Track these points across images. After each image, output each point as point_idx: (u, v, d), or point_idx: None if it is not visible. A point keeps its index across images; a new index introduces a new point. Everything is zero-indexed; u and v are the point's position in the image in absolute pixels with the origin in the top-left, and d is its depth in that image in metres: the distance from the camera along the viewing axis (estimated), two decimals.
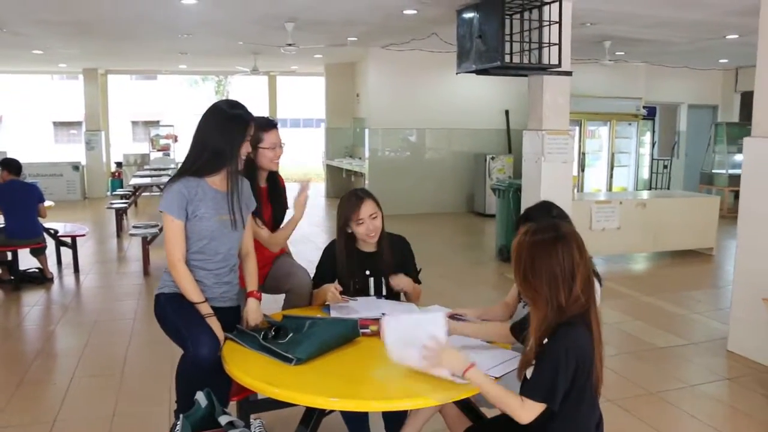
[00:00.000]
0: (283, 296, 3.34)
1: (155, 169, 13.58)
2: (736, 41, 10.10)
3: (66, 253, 7.53)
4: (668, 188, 13.63)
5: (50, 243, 7.22)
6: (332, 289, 2.95)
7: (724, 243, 8.78)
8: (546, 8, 6.67)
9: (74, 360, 4.61)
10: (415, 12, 7.86)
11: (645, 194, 10.03)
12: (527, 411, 2.01)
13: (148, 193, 12.60)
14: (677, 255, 8.30)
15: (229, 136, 2.63)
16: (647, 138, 13.27)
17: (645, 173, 13.34)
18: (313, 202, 14.56)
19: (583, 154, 11.97)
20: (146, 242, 7.29)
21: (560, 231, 2.07)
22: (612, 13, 7.87)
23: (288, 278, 3.26)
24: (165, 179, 12.12)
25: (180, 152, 18.20)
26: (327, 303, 2.99)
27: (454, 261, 8.30)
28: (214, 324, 2.58)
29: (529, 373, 2.11)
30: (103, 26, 8.86)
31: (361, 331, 2.55)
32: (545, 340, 2.05)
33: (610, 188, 12.16)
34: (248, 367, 2.32)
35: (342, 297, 2.95)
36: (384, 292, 3.18)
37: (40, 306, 6.13)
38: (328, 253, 3.25)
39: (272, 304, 3.43)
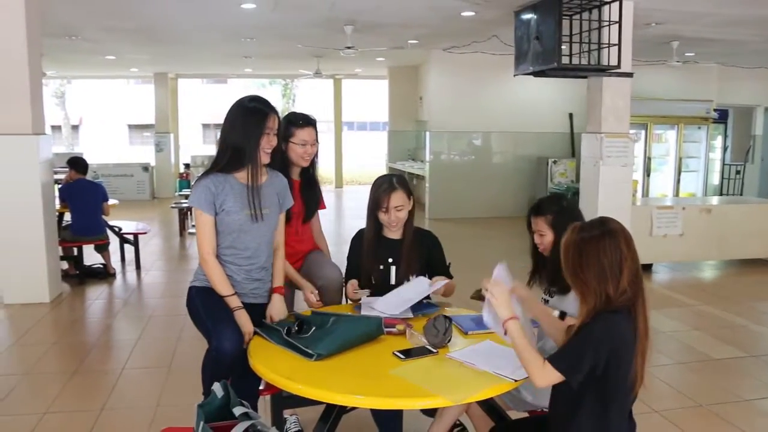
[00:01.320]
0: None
1: None
2: None
3: (129, 250, 7.80)
4: (741, 194, 13.10)
5: (114, 240, 7.49)
6: (348, 286, 3.01)
7: None
8: (606, 8, 6.52)
9: (127, 352, 4.78)
10: (473, 14, 7.81)
11: (712, 200, 9.66)
12: (545, 374, 2.02)
13: None
14: (745, 264, 7.96)
15: (247, 131, 2.68)
16: (718, 142, 12.79)
17: (715, 179, 12.86)
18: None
19: (649, 158, 11.63)
20: None
21: (607, 226, 2.13)
22: (677, 12, 7.63)
23: (319, 274, 3.29)
24: None
25: None
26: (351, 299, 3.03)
27: (510, 265, 8.16)
28: (243, 317, 2.62)
29: None
30: (167, 32, 9.17)
31: (386, 330, 2.54)
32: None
33: (677, 194, 11.77)
34: (272, 363, 2.34)
35: (358, 291, 2.99)
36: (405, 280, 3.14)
37: (101, 300, 6.37)
38: (356, 242, 3.27)
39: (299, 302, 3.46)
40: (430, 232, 3.35)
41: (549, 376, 2.02)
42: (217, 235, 2.72)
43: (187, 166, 15.88)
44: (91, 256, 7.23)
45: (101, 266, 7.21)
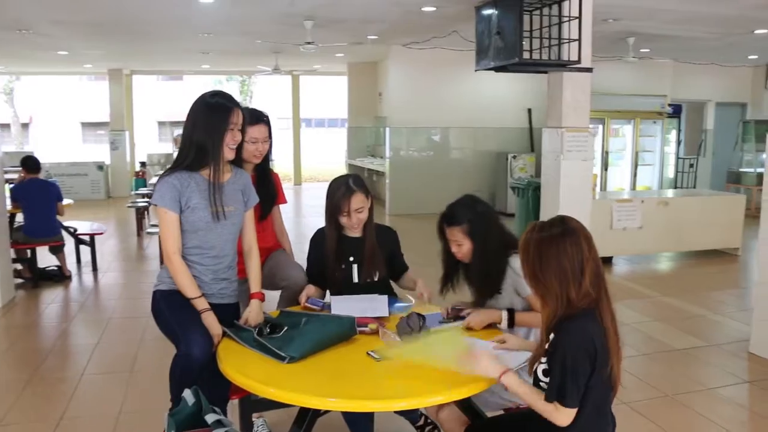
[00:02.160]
0: (277, 293, 3.31)
1: None
2: (766, 36, 9.86)
3: (85, 251, 7.58)
4: (694, 187, 13.38)
5: (69, 241, 7.28)
6: (302, 295, 2.99)
7: (751, 243, 8.56)
8: (566, 4, 6.56)
9: (85, 357, 4.63)
10: (433, 9, 7.78)
11: (668, 193, 9.85)
12: (563, 416, 2.02)
13: None
14: (701, 255, 8.12)
15: (210, 127, 2.59)
16: (672, 136, 13.04)
17: (670, 172, 13.11)
18: None
19: (607, 152, 11.79)
20: None
21: (568, 225, 2.08)
22: (635, 8, 7.72)
23: (284, 275, 3.22)
24: None
25: None
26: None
27: None
28: (211, 319, 2.54)
29: (539, 369, 2.11)
30: (122, 26, 8.91)
31: (359, 329, 2.50)
32: (551, 336, 2.06)
33: (633, 187, 11.96)
34: (243, 366, 2.27)
35: (308, 305, 2.94)
36: (374, 278, 3.13)
37: (57, 303, 6.17)
38: (315, 241, 3.22)
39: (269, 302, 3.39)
40: (389, 227, 3.32)
41: (568, 415, 2.01)
42: (182, 235, 2.62)
43: (143, 164, 15.58)
44: (46, 258, 7.01)
45: (56, 268, 6.99)
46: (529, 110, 12.37)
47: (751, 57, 12.78)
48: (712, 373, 4.48)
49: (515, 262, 2.60)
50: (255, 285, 2.83)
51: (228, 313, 2.70)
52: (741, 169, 12.48)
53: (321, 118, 35.02)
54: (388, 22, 8.79)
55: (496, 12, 6.90)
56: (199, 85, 30.01)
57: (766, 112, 14.13)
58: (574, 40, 6.58)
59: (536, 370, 2.11)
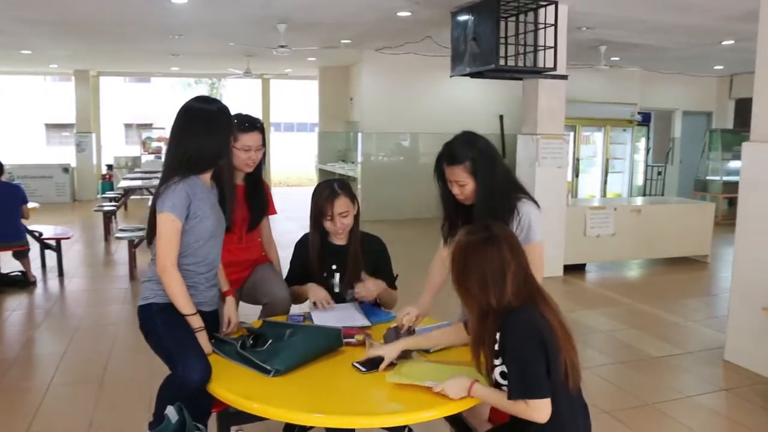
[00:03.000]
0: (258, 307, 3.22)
1: (146, 172, 13.39)
2: (732, 47, 10.04)
3: (51, 256, 7.37)
4: (662, 194, 13.56)
5: (34, 246, 7.07)
6: (321, 296, 2.90)
7: (719, 250, 8.70)
8: (542, 11, 6.58)
9: (52, 367, 4.46)
10: (409, 14, 7.75)
11: (640, 200, 9.95)
12: (537, 411, 1.95)
13: (138, 196, 12.44)
14: (672, 262, 8.20)
15: (218, 135, 2.50)
16: (642, 144, 13.19)
17: (639, 179, 13.26)
18: (305, 207, 14.44)
19: (578, 159, 11.88)
20: (133, 245, 7.14)
21: (491, 231, 2.08)
22: (609, 17, 7.77)
23: (266, 291, 3.13)
24: (156, 182, 11.92)
25: None
26: (312, 301, 2.94)
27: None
28: (204, 338, 2.41)
29: (496, 373, 2.05)
30: (90, 26, 8.72)
31: (345, 340, 2.42)
32: (497, 335, 2.03)
33: (604, 194, 12.07)
34: (227, 380, 2.18)
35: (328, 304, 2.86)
36: (350, 288, 3.06)
37: (21, 311, 5.98)
38: (300, 246, 3.15)
39: (250, 311, 3.30)
40: (378, 237, 3.23)
41: (542, 408, 1.95)
42: (181, 246, 2.48)
43: (109, 167, 15.34)
44: (9, 263, 6.80)
45: (20, 274, 6.78)
46: (501, 117, 12.40)
47: (716, 67, 13.01)
48: (689, 380, 4.49)
49: (523, 205, 2.52)
50: (225, 284, 2.77)
51: (212, 321, 2.59)
52: (708, 177, 12.65)
53: (290, 122, 34.79)
54: (363, 26, 8.74)
55: (473, 18, 6.89)
56: (167, 87, 29.72)
57: (730, 122, 14.42)
58: (550, 47, 6.60)
59: (493, 375, 2.07)
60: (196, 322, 2.43)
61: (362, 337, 2.45)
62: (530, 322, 1.98)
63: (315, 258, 3.04)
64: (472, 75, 7.16)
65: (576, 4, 6.95)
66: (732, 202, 12.35)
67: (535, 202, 2.61)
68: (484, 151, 2.56)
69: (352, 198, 3.01)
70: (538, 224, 2.55)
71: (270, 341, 2.31)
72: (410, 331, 2.54)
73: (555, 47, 6.59)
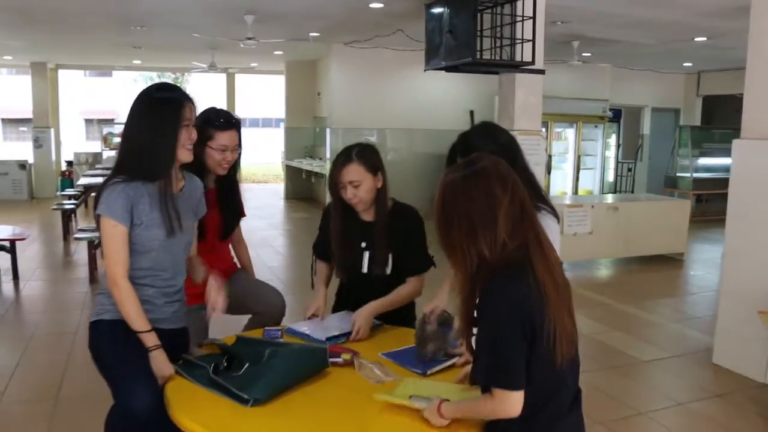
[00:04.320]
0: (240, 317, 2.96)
1: (107, 169, 12.93)
2: (704, 44, 10.00)
3: (4, 257, 6.95)
4: (632, 191, 13.53)
5: None
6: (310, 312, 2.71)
7: (692, 247, 8.64)
8: (519, 3, 6.37)
9: (2, 382, 4.09)
10: (381, 5, 7.50)
11: (615, 198, 9.84)
12: (506, 404, 1.62)
13: None
14: (648, 260, 8.09)
15: (161, 126, 2.14)
16: (613, 140, 13.15)
17: (610, 176, 13.22)
18: (272, 204, 14.22)
19: (550, 156, 11.75)
20: (93, 246, 6.75)
21: (475, 164, 1.70)
22: (585, 11, 7.62)
23: (259, 299, 2.88)
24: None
25: None
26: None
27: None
28: (160, 358, 2.12)
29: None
30: (46, 14, 8.26)
31: (331, 360, 2.16)
32: (477, 301, 1.69)
33: (576, 191, 11.98)
34: (197, 411, 1.89)
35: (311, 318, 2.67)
36: (388, 270, 2.77)
37: None
38: (325, 215, 2.90)
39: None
40: (413, 208, 2.89)
41: (513, 401, 1.61)
42: (130, 256, 2.18)
43: (69, 163, 14.82)
44: None
45: None
46: (471, 112, 12.21)
47: (685, 64, 13.02)
48: (680, 386, 4.33)
49: (542, 218, 2.13)
50: (200, 275, 2.49)
51: (179, 340, 2.31)
52: (678, 174, 12.64)
53: (255, 117, 34.29)
54: (333, 18, 8.46)
55: (448, 10, 6.67)
56: (128, 81, 28.98)
57: (698, 119, 14.48)
58: (528, 40, 6.40)
59: (471, 344, 1.77)
60: (150, 339, 2.13)
61: (350, 356, 2.20)
62: (511, 292, 1.62)
63: (337, 233, 2.77)
64: (448, 69, 6.95)
65: None
66: (700, 199, 12.39)
67: (555, 214, 2.36)
68: (506, 147, 2.34)
69: (371, 167, 2.68)
70: (556, 242, 2.25)
71: (246, 364, 2.04)
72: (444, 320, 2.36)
73: (533, 40, 6.39)
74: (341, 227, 2.76)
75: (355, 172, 2.64)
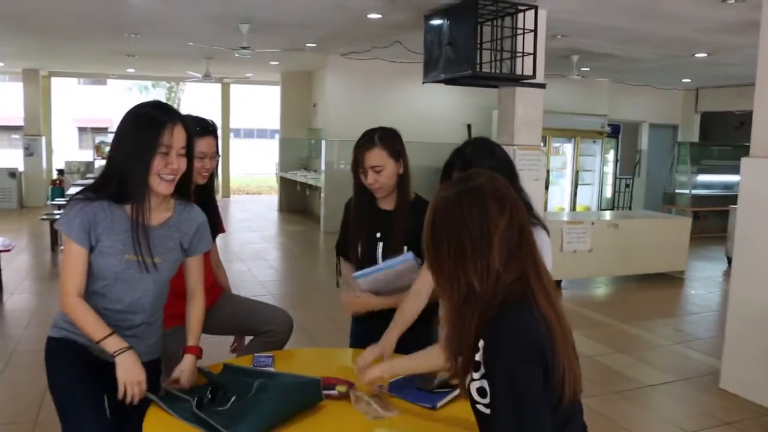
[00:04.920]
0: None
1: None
2: (704, 60, 9.91)
3: None
4: (630, 208, 13.41)
5: None
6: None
7: (691, 265, 8.51)
8: (520, 16, 6.26)
9: None
10: (379, 16, 7.37)
11: (615, 215, 9.72)
12: None
13: None
14: (648, 278, 7.95)
15: (136, 149, 1.94)
16: (611, 156, 13.05)
17: (608, 192, 13.10)
18: (265, 216, 14.06)
19: (548, 171, 11.62)
20: None
21: (471, 181, 1.50)
22: (587, 25, 7.51)
23: (267, 318, 2.75)
24: None
25: None
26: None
27: None
28: (126, 362, 1.92)
29: (473, 388, 1.49)
30: (39, 21, 8.11)
31: (325, 393, 1.99)
32: (480, 343, 1.44)
33: (573, 207, 11.84)
34: None
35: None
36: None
37: None
38: (346, 207, 2.80)
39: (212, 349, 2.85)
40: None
41: None
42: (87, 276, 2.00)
43: (60, 172, 14.62)
44: None
45: None
46: (469, 126, 12.11)
47: (684, 80, 12.95)
48: (686, 413, 4.17)
49: (537, 232, 2.05)
50: (193, 335, 2.24)
51: (150, 373, 2.08)
52: (676, 191, 12.53)
53: (250, 128, 34.15)
54: (330, 28, 8.33)
55: (448, 22, 6.55)
56: (123, 90, 28.83)
57: (696, 135, 14.41)
58: (529, 53, 6.30)
59: (469, 389, 1.51)
60: (113, 344, 1.94)
61: (345, 389, 2.03)
62: (528, 330, 1.41)
63: (355, 219, 2.67)
64: (447, 81, 6.81)
65: (554, 12, 6.65)
66: (697, 216, 12.27)
67: (546, 229, 2.26)
68: (503, 161, 2.25)
69: (394, 152, 2.57)
70: (548, 257, 2.19)
71: (233, 398, 1.87)
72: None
73: (534, 54, 6.28)
74: (358, 214, 2.67)
75: (377, 156, 2.54)
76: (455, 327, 1.49)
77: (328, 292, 6.87)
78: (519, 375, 1.38)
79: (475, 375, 1.47)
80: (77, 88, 29.57)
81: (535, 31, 6.21)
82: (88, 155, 17.42)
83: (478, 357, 1.45)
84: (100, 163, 15.05)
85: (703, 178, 12.56)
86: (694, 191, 12.21)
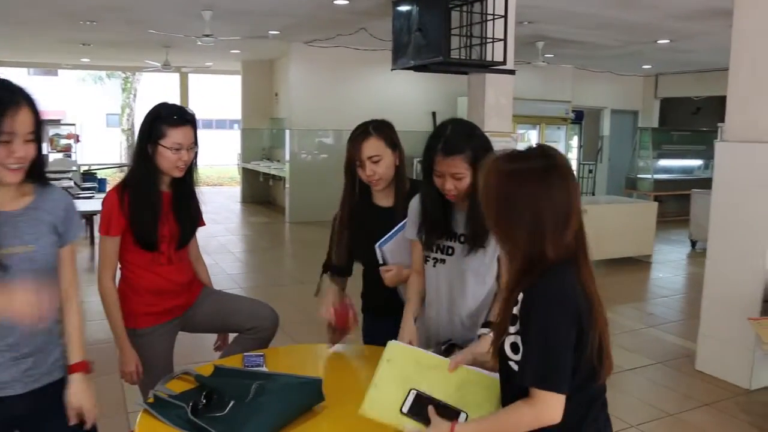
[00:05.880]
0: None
1: (54, 172, 12.44)
2: (665, 46, 10.03)
3: None
4: (593, 193, 13.55)
5: None
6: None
7: (656, 249, 8.62)
8: (489, 1, 6.20)
9: None
10: (346, 2, 7.25)
11: (583, 200, 9.76)
12: (549, 408, 1.45)
13: None
14: (616, 263, 8.00)
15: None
16: (575, 142, 13.15)
17: None
18: (228, 208, 13.80)
19: None
20: None
21: (553, 158, 1.54)
22: (554, 11, 7.50)
23: (251, 314, 2.63)
24: (66, 183, 11.03)
25: (83, 153, 16.90)
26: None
27: None
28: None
29: (507, 343, 1.54)
30: None
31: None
32: (520, 296, 1.50)
33: None
34: None
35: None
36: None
37: None
38: (335, 222, 2.69)
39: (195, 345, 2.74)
40: None
41: (555, 405, 1.44)
42: None
43: None
44: None
45: None
46: (434, 114, 12.06)
47: (645, 67, 13.10)
48: (667, 396, 4.18)
49: None
50: (75, 351, 1.92)
51: (32, 406, 1.82)
52: (638, 176, 12.69)
53: (209, 119, 33.65)
54: (295, 16, 8.17)
55: (417, 8, 6.45)
56: (76, 81, 28.08)
57: (656, 120, 14.61)
58: (499, 39, 6.23)
59: (502, 345, 1.55)
60: None
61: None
62: (564, 284, 1.49)
63: (347, 213, 2.57)
64: (417, 68, 6.72)
65: None
66: (658, 200, 12.45)
67: None
68: (483, 139, 2.22)
69: (390, 142, 2.51)
70: None
71: (231, 402, 1.76)
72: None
73: (505, 40, 6.23)
74: (355, 217, 2.58)
75: (374, 146, 2.47)
76: (513, 290, 1.53)
77: (298, 285, 6.77)
78: (552, 326, 1.46)
79: (511, 329, 1.52)
80: (27, 78, 28.70)
81: (505, 16, 6.15)
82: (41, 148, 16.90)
83: (515, 310, 1.51)
84: (55, 156, 14.65)
85: (663, 162, 12.75)
86: (655, 176, 12.37)
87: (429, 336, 2.35)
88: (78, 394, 1.87)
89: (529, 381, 1.46)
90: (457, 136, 2.18)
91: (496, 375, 1.66)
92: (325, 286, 2.66)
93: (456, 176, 2.13)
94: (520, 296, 1.50)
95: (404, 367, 1.79)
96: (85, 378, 1.91)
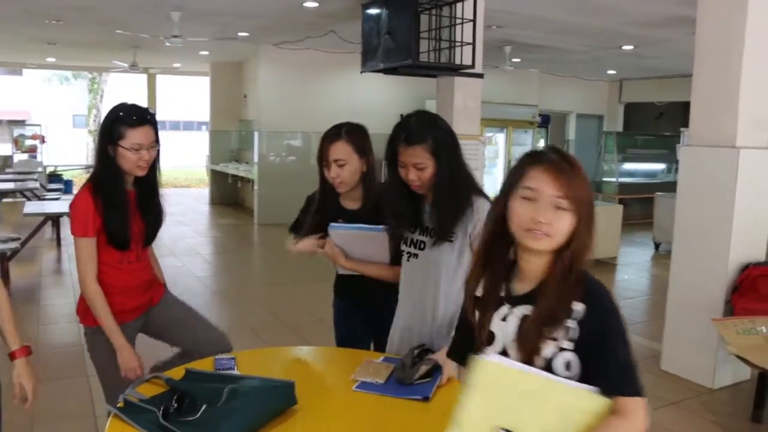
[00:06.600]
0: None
1: (19, 173, 12.26)
2: (629, 52, 10.21)
3: None
4: None
5: None
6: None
7: (619, 251, 8.76)
8: (459, 6, 6.26)
9: None
10: (316, 5, 7.24)
11: None
12: (640, 414, 1.39)
13: (10, 199, 11.20)
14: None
15: None
16: (541, 145, 13.28)
17: None
18: (196, 209, 13.69)
19: None
20: (6, 259, 6.21)
21: (572, 158, 1.55)
22: (522, 16, 7.60)
23: (201, 338, 2.62)
24: (31, 184, 10.85)
25: (48, 154, 16.61)
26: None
27: None
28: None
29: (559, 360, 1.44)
30: None
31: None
32: (576, 305, 1.44)
33: None
34: None
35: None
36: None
37: None
38: (308, 200, 2.72)
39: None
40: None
41: (645, 409, 1.40)
42: None
43: None
44: None
45: None
46: (402, 116, 12.04)
47: (610, 72, 13.32)
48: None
49: (478, 200, 2.20)
50: (14, 339, 2.07)
51: None
52: (603, 179, 12.89)
53: (176, 120, 33.32)
54: (265, 17, 8.15)
55: (386, 11, 6.49)
56: (41, 81, 27.59)
57: (620, 125, 14.86)
58: (468, 43, 6.29)
59: (552, 362, 1.43)
60: None
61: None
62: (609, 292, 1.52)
63: (317, 216, 2.59)
64: (386, 71, 6.75)
65: (492, 2, 6.69)
66: (621, 202, 12.65)
67: (489, 200, 2.20)
68: (446, 130, 2.27)
69: (359, 148, 2.50)
70: None
71: (204, 406, 1.75)
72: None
73: (473, 44, 6.29)
74: (321, 211, 2.60)
75: (341, 150, 2.48)
76: (561, 296, 1.46)
77: (267, 287, 6.73)
78: (626, 331, 1.47)
79: (566, 344, 1.44)
80: None
81: (474, 20, 6.21)
82: (5, 149, 16.58)
83: (569, 322, 1.44)
84: (20, 157, 14.41)
85: (627, 166, 12.96)
86: (620, 179, 12.58)
87: (402, 337, 2.37)
88: (24, 376, 2.03)
89: (630, 391, 1.40)
90: (419, 127, 2.22)
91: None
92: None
93: (418, 166, 2.16)
94: (580, 306, 1.44)
95: (497, 396, 1.41)
96: (28, 361, 2.06)
